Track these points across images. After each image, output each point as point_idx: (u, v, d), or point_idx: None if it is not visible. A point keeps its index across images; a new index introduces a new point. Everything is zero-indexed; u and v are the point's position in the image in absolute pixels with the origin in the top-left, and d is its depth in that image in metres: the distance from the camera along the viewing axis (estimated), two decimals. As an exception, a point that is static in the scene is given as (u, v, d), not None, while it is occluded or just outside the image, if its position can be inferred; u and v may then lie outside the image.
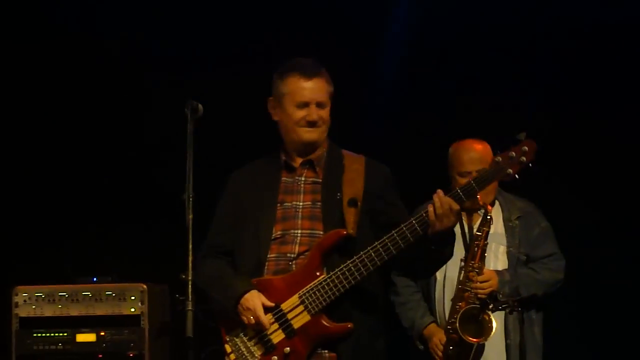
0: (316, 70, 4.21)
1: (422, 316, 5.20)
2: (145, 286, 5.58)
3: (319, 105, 4.18)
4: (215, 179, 4.41)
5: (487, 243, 5.07)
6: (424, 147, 5.91)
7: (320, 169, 4.23)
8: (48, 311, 5.60)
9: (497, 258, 5.21)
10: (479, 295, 5.00)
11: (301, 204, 4.19)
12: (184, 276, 3.95)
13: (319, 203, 4.16)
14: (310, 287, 4.04)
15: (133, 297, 5.57)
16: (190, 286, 3.92)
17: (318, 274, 4.05)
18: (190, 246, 3.95)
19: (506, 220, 5.24)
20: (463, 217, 5.25)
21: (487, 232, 5.06)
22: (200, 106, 4.13)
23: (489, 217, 5.06)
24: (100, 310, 5.59)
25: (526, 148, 3.93)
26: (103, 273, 5.70)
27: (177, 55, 6.34)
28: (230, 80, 6.15)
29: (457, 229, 5.23)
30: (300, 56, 4.28)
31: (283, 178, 4.26)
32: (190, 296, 3.91)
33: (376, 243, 3.99)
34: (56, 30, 6.42)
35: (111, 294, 5.59)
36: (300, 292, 4.05)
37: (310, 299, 4.03)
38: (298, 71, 4.20)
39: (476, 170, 5.03)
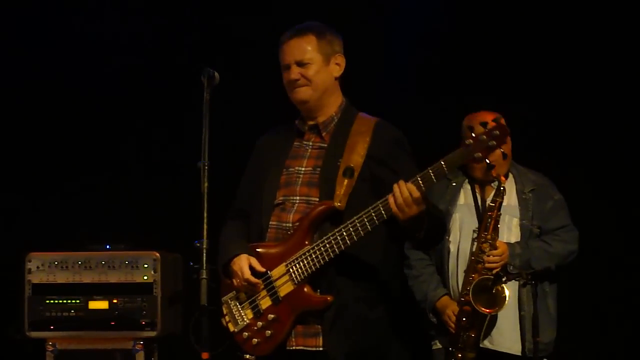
0: (296, 31, 4.21)
1: (434, 289, 5.20)
2: (158, 254, 5.60)
3: (299, 64, 4.16)
4: (231, 147, 4.39)
5: (500, 214, 5.05)
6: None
7: (328, 133, 4.20)
8: (61, 278, 5.62)
9: (510, 230, 5.18)
10: (492, 270, 4.97)
11: (303, 169, 4.17)
12: (198, 244, 3.95)
13: (319, 169, 4.13)
14: (296, 256, 4.03)
15: (146, 265, 5.58)
16: (204, 254, 3.92)
17: (306, 243, 4.04)
18: (205, 214, 3.94)
19: (519, 193, 5.21)
20: (476, 189, 5.24)
21: (500, 203, 5.04)
22: (216, 74, 4.12)
23: (502, 188, 5.04)
24: (113, 277, 5.60)
25: (497, 132, 3.82)
26: (116, 240, 5.72)
27: (195, 23, 6.32)
28: (247, 48, 6.14)
29: (470, 200, 5.23)
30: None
31: (294, 143, 4.25)
32: (205, 264, 3.92)
33: (354, 218, 3.95)
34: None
35: (124, 262, 5.60)
36: (287, 261, 4.05)
37: (295, 269, 4.04)
38: (281, 37, 4.23)
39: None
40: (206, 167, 3.98)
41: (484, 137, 3.84)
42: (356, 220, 3.95)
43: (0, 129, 6.45)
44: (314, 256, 3.99)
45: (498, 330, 5.08)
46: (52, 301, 5.60)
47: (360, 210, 3.96)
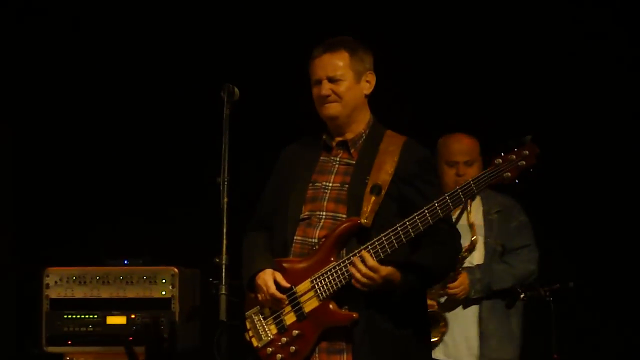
0: (328, 46, 4.18)
1: None
2: (176, 269, 5.59)
3: (330, 80, 4.14)
4: (250, 163, 4.38)
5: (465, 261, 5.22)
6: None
7: (356, 150, 4.19)
8: (79, 293, 5.62)
9: (475, 249, 5.28)
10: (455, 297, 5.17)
11: (330, 185, 4.16)
12: (217, 260, 3.94)
13: (347, 186, 4.12)
14: (321, 272, 4.03)
15: (164, 280, 5.57)
16: (224, 270, 3.92)
17: (332, 259, 4.04)
18: (225, 230, 3.93)
19: (485, 214, 5.32)
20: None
21: (464, 258, 5.21)
22: (236, 90, 4.12)
23: (473, 245, 5.20)
24: (130, 292, 5.60)
25: (527, 152, 3.83)
26: (134, 255, 5.72)
27: (214, 38, 6.34)
28: (267, 63, 6.15)
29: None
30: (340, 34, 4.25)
31: (321, 157, 4.23)
32: (224, 280, 3.91)
33: (381, 235, 3.96)
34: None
35: (142, 277, 5.59)
36: (312, 276, 4.05)
37: (320, 285, 4.03)
38: (313, 52, 4.20)
39: (464, 161, 5.12)
40: (225, 183, 3.98)
41: (513, 156, 3.85)
42: (383, 238, 3.95)
43: (20, 144, 6.49)
44: (339, 272, 3.99)
45: (454, 343, 5.21)
46: (69, 316, 5.60)
47: (386, 228, 3.96)
